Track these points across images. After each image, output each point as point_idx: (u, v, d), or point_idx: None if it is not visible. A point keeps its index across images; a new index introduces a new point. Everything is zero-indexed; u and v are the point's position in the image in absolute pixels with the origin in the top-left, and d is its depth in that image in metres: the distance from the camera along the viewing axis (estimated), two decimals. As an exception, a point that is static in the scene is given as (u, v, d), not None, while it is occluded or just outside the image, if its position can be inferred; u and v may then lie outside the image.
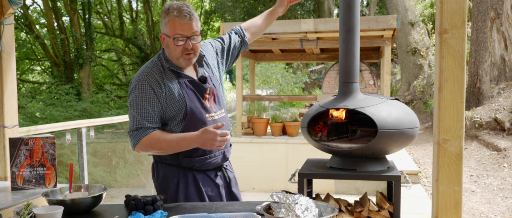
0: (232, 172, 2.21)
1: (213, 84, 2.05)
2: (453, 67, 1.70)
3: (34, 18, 18.54)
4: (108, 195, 6.25)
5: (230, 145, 2.19)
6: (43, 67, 20.73)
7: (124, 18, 21.67)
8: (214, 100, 2.04)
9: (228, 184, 2.15)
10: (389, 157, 2.49)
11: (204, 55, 2.08)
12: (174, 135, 1.91)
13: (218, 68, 2.18)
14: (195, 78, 2.00)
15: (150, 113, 1.90)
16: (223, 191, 2.10)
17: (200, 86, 1.97)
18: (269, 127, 6.96)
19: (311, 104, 7.63)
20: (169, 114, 1.93)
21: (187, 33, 1.88)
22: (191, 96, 1.94)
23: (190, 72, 2.01)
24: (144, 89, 1.90)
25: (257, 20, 2.37)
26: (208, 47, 2.18)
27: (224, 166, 2.15)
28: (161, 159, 2.05)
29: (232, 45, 2.28)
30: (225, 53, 2.25)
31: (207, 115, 1.96)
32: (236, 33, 2.32)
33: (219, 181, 2.09)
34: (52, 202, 1.70)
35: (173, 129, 1.95)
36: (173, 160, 2.01)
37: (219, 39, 2.27)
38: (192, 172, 2.03)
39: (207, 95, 1.99)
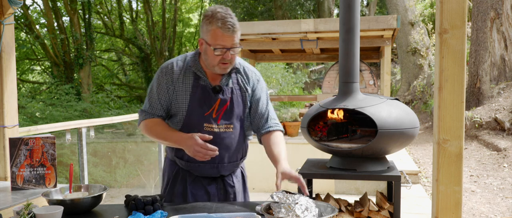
0: (233, 187, 2.08)
1: (231, 97, 1.97)
2: (453, 67, 1.70)
3: (34, 18, 18.54)
4: (108, 195, 6.25)
5: (241, 158, 2.08)
6: (43, 67, 20.73)
7: (124, 18, 21.67)
8: (224, 113, 1.96)
9: (224, 197, 2.06)
10: (389, 157, 2.49)
11: (237, 68, 2.02)
12: (166, 128, 1.96)
13: (246, 90, 2.04)
14: (211, 86, 1.95)
15: (156, 101, 1.98)
16: (215, 201, 2.02)
17: (210, 95, 1.94)
18: (269, 127, 6.94)
19: (311, 104, 7.63)
20: (173, 110, 1.98)
21: (228, 45, 1.86)
22: (195, 102, 1.93)
23: (212, 78, 1.98)
24: (160, 79, 1.98)
25: (269, 147, 2.01)
26: (252, 75, 2.07)
27: (224, 178, 2.06)
28: (168, 153, 2.12)
29: (258, 103, 2.06)
30: (251, 95, 2.07)
31: (205, 124, 1.93)
32: (266, 121, 2.07)
33: (211, 190, 2.03)
34: (52, 202, 1.70)
35: (173, 126, 1.99)
36: (171, 156, 2.07)
37: (259, 92, 2.09)
38: (186, 173, 2.04)
39: (216, 106, 1.94)
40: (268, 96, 2.13)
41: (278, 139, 2.02)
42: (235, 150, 2.02)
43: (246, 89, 2.03)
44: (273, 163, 1.93)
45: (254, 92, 2.05)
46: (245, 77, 2.05)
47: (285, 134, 6.73)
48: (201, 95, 1.94)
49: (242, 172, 2.18)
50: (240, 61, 2.06)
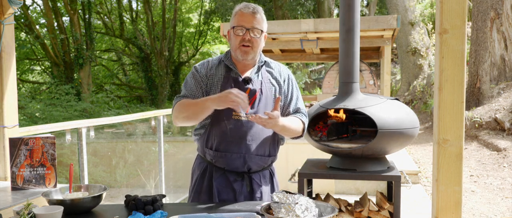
0: (260, 186, 2.05)
1: (261, 89, 2.01)
2: (453, 67, 1.70)
3: (34, 18, 18.52)
4: (108, 195, 6.24)
5: (269, 155, 2.07)
6: (43, 67, 20.73)
7: (124, 18, 21.66)
8: (253, 103, 1.98)
9: (250, 195, 2.03)
10: (389, 157, 2.49)
11: (265, 61, 2.10)
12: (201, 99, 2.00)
13: (278, 84, 2.10)
14: (241, 77, 2.02)
15: (192, 87, 2.03)
16: (241, 199, 2.00)
17: (239, 86, 1.98)
18: (269, 127, 6.94)
19: (311, 104, 7.62)
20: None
21: (247, 24, 1.94)
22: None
23: (242, 71, 2.04)
24: (194, 72, 2.06)
25: None
26: (284, 69, 2.14)
27: (251, 175, 2.04)
28: (198, 148, 2.12)
29: (289, 98, 2.11)
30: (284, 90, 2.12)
31: (233, 113, 1.96)
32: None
33: (237, 187, 2.00)
34: (52, 202, 1.70)
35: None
36: (202, 151, 2.08)
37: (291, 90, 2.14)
38: (213, 168, 2.03)
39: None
40: (299, 93, 2.17)
41: (292, 117, 2.05)
42: (263, 142, 2.01)
43: (278, 82, 2.08)
44: None
45: (285, 86, 2.10)
46: (275, 71, 2.10)
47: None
48: (231, 86, 1.99)
49: (271, 174, 2.15)
50: (268, 60, 2.14)
